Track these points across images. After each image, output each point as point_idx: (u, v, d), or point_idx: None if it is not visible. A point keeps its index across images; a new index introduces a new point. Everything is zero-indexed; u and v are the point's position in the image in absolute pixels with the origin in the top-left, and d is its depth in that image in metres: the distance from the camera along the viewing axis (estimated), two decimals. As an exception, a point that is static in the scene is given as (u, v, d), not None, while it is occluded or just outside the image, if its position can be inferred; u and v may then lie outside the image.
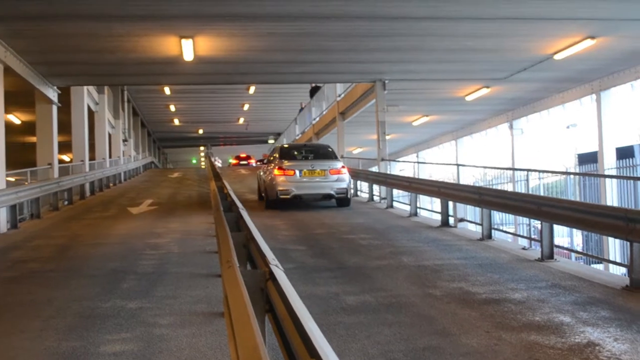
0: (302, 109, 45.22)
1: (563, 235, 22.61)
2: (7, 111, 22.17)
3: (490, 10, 15.50)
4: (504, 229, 19.45)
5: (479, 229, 14.39)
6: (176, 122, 52.70)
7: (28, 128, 30.54)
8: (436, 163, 36.50)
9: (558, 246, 12.23)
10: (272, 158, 20.87)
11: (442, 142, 41.20)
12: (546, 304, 7.95)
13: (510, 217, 22.00)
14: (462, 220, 16.71)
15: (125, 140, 39.67)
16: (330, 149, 21.06)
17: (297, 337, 3.49)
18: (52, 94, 22.18)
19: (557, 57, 19.47)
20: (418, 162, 38.35)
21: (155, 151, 65.35)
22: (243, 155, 61.06)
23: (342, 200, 19.66)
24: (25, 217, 18.14)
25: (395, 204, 20.53)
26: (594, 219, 9.61)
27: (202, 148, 73.18)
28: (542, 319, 7.27)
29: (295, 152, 20.73)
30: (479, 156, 37.04)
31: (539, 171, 21.69)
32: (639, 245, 8.59)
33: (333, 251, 12.13)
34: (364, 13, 15.50)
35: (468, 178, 27.60)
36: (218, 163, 53.87)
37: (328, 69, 22.91)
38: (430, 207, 21.00)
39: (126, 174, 35.32)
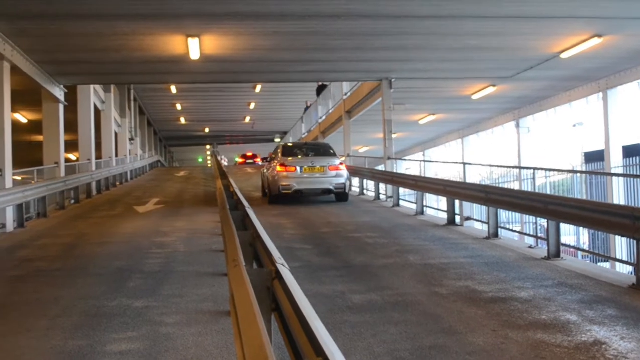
0: (307, 107, 45.20)
1: (570, 233, 22.57)
2: (13, 110, 22.17)
3: (494, 9, 15.47)
4: (511, 228, 19.43)
5: (485, 227, 14.38)
6: (182, 120, 52.73)
7: (35, 127, 30.59)
8: (442, 162, 36.45)
9: (565, 245, 12.19)
10: (274, 156, 21.97)
11: (449, 140, 41.15)
12: (553, 302, 7.94)
13: (516, 215, 21.96)
14: (468, 218, 16.66)
15: (131, 139, 39.72)
16: (329, 147, 22.19)
17: (304, 336, 3.50)
18: (59, 92, 22.20)
19: (563, 55, 19.42)
20: (424, 161, 38.33)
21: (162, 150, 65.41)
22: (249, 154, 61.06)
23: (341, 195, 20.60)
24: (32, 216, 18.17)
25: (401, 202, 20.51)
26: (600, 217, 9.59)
27: (208, 147, 73.22)
28: (548, 317, 7.26)
29: (297, 150, 21.85)
30: (485, 155, 36.97)
31: (546, 170, 21.62)
32: (646, 244, 8.56)
33: (339, 250, 12.13)
34: (368, 12, 15.49)
35: (474, 177, 27.56)
36: (224, 162, 53.93)
37: (334, 67, 22.90)
38: (436, 206, 20.96)
39: (133, 173, 35.35)
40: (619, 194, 21.41)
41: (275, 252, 5.47)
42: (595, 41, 17.76)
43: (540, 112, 30.04)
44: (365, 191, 24.47)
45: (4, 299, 8.85)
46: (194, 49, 17.85)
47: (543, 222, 13.72)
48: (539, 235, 15.26)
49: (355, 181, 25.87)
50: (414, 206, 18.87)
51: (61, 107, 22.39)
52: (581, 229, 21.45)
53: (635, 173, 21.97)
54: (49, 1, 14.05)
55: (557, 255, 10.91)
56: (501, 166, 29.03)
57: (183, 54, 18.49)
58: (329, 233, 14.33)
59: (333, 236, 13.85)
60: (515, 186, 26.86)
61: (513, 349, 6.19)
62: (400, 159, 34.51)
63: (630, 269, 12.89)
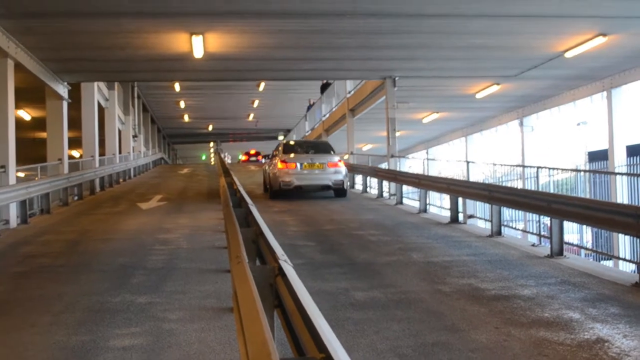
0: (310, 105, 45.18)
1: (573, 232, 22.53)
2: (17, 107, 22.23)
3: (500, 8, 15.46)
4: (514, 226, 19.42)
5: (488, 225, 14.38)
6: (186, 118, 52.70)
7: (38, 124, 30.61)
8: (446, 160, 36.43)
9: (568, 243, 12.18)
10: (276, 153, 22.71)
11: (452, 139, 41.10)
12: (555, 300, 7.94)
13: (519, 213, 21.93)
14: (471, 216, 16.68)
15: (135, 136, 39.71)
16: (328, 145, 23.23)
17: (306, 333, 3.50)
18: (63, 90, 22.22)
19: (568, 54, 19.40)
20: (428, 159, 38.30)
21: (165, 147, 65.36)
22: (252, 151, 61.04)
23: (339, 190, 21.23)
24: (35, 213, 18.19)
25: (404, 200, 20.53)
26: (604, 216, 9.59)
27: (211, 144, 73.18)
28: (551, 315, 7.26)
29: (297, 148, 22.66)
30: (488, 153, 36.94)
31: (549, 168, 21.63)
32: (649, 243, 8.57)
33: (342, 247, 12.14)
34: (373, 10, 15.48)
35: (478, 175, 27.50)
36: (227, 159, 53.94)
37: (338, 65, 22.89)
38: (439, 204, 20.98)
39: (136, 170, 35.36)
40: (622, 193, 21.39)
41: (278, 249, 5.47)
42: (600, 40, 17.74)
43: (544, 111, 30.00)
44: (368, 189, 24.48)
45: (7, 295, 8.87)
46: (197, 46, 17.86)
47: (546, 220, 13.69)
48: (542, 233, 15.23)
49: (359, 179, 25.90)
50: (417, 204, 18.89)
51: (65, 104, 22.40)
52: (584, 227, 21.43)
53: (638, 172, 21.93)
54: (53, -1, 14.10)
55: (560, 253, 10.91)
56: (505, 164, 29.01)
57: (187, 51, 18.50)
58: (332, 230, 14.34)
59: (336, 233, 13.86)
60: (518, 185, 26.83)
61: (515, 347, 6.19)
62: (404, 157, 34.50)
63: (633, 267, 12.88)
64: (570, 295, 8.17)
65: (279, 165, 20.86)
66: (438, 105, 31.36)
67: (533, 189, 18.13)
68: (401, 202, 20.11)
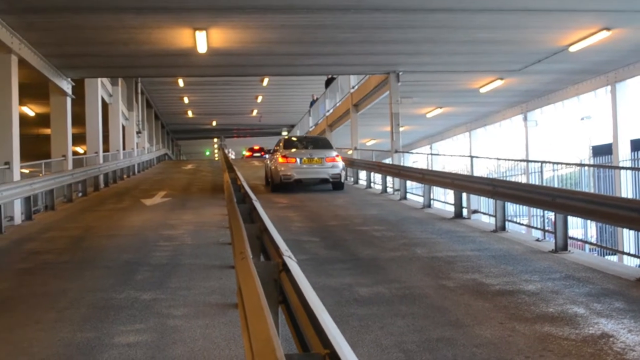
0: (313, 101, 45.19)
1: (577, 226, 22.50)
2: (21, 103, 22.25)
3: (503, 2, 15.46)
4: (518, 221, 19.39)
5: (492, 220, 14.37)
6: (190, 114, 52.76)
7: (42, 120, 30.67)
8: (450, 155, 36.39)
9: (572, 238, 12.18)
10: (277, 148, 23.72)
11: (456, 133, 41.08)
12: (560, 295, 7.93)
13: (523, 208, 21.91)
14: (475, 211, 16.65)
15: (139, 132, 39.76)
16: (327, 141, 24.96)
17: (311, 329, 3.50)
18: (66, 86, 22.24)
19: (572, 48, 19.36)
20: (432, 154, 38.26)
21: (169, 143, 65.47)
22: (256, 147, 61.13)
23: (337, 183, 22.48)
24: (39, 209, 18.22)
25: (408, 195, 20.50)
26: (608, 210, 9.57)
27: (215, 140, 73.24)
28: (555, 310, 7.25)
29: (297, 143, 23.79)
30: (492, 148, 36.88)
31: (553, 163, 21.56)
32: (654, 237, 8.56)
33: (346, 243, 12.14)
34: (377, 5, 15.46)
35: (482, 170, 27.46)
36: (231, 155, 53.96)
37: (341, 60, 22.89)
38: (443, 199, 20.95)
39: (140, 166, 35.40)
40: (626, 187, 21.35)
41: (282, 245, 5.47)
42: (604, 34, 17.70)
43: (548, 106, 29.97)
44: (372, 184, 24.48)
45: (12, 291, 8.89)
46: (201, 42, 17.85)
47: (550, 215, 13.67)
48: (547, 228, 15.21)
49: (363, 174, 25.93)
50: (421, 199, 18.88)
51: (69, 100, 22.43)
52: (589, 222, 21.40)
53: (643, 166, 21.89)
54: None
55: (565, 248, 10.89)
56: (509, 159, 28.97)
57: (190, 47, 18.49)
58: (336, 226, 14.34)
59: (340, 229, 13.86)
60: (522, 179, 26.81)
61: (520, 342, 6.19)
62: (408, 152, 34.49)
63: (637, 261, 12.90)
64: (575, 290, 8.16)
65: (280, 159, 21.99)
66: (442, 100, 31.33)
67: (537, 183, 18.10)
68: (405, 198, 20.09)
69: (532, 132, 31.43)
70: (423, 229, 13.83)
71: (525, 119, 31.52)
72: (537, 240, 12.61)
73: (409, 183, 20.72)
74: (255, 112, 53.31)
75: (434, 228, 14.02)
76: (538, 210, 17.14)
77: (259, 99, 46.61)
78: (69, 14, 15.44)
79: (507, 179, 25.83)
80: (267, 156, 51.90)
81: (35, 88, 22.94)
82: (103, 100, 28.56)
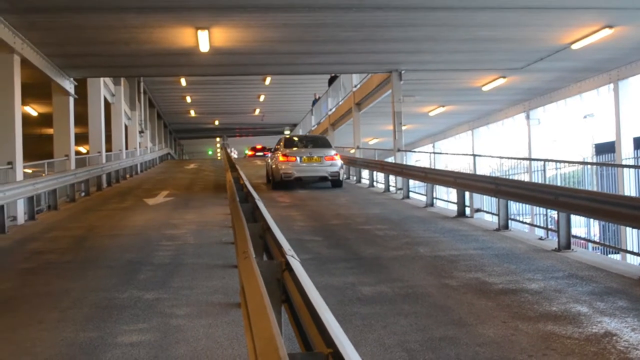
0: (315, 100, 45.18)
1: (580, 225, 22.49)
2: (24, 103, 22.27)
3: (507, 0, 15.43)
4: (521, 220, 19.36)
5: (495, 219, 14.34)
6: (192, 113, 52.77)
7: (45, 120, 30.69)
8: (452, 153, 36.36)
9: (575, 236, 12.15)
10: (277, 147, 24.33)
11: (459, 132, 41.03)
12: (563, 294, 7.92)
13: (527, 207, 21.90)
14: (478, 210, 16.64)
15: (141, 132, 39.76)
16: (326, 140, 25.50)
17: (314, 328, 3.50)
18: (69, 85, 22.25)
19: (574, 46, 19.33)
20: (434, 153, 38.24)
21: (172, 142, 65.46)
22: (259, 146, 61.09)
23: (335, 181, 23.13)
24: (42, 209, 18.24)
25: (411, 194, 20.50)
26: (611, 209, 9.55)
27: (218, 139, 73.26)
28: (559, 309, 7.24)
29: (297, 142, 24.50)
30: (495, 146, 36.87)
31: (556, 161, 21.56)
32: (657, 236, 8.54)
33: (349, 242, 12.13)
34: (379, 3, 15.46)
35: (484, 168, 27.46)
36: (234, 154, 53.94)
37: (344, 59, 22.89)
38: (446, 198, 20.94)
39: (142, 166, 35.40)
40: (629, 186, 21.33)
41: (285, 244, 5.47)
42: (606, 32, 17.68)
43: (550, 104, 29.91)
44: (375, 183, 24.48)
45: (15, 291, 8.89)
46: (203, 41, 17.85)
47: (553, 213, 13.65)
48: (550, 227, 15.20)
49: (365, 173, 25.93)
50: (423, 198, 18.85)
51: (71, 100, 22.44)
52: (592, 220, 21.38)
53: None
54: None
55: (568, 246, 10.88)
56: (511, 158, 28.96)
57: (192, 46, 18.49)
58: (339, 225, 14.34)
59: (343, 228, 13.85)
60: (525, 178, 26.79)
61: (523, 341, 6.18)
62: (410, 151, 34.47)
63: (641, 260, 12.86)
64: (578, 289, 8.14)
65: (280, 158, 22.77)
66: (444, 99, 31.31)
67: (540, 182, 18.09)
68: (408, 196, 20.08)
69: (535, 130, 31.38)
70: (426, 228, 13.82)
71: (527, 117, 31.48)
72: (540, 238, 12.59)
73: (411, 182, 20.71)
74: (257, 111, 53.32)
75: (437, 227, 14.01)
76: (541, 208, 17.12)
77: (262, 98, 46.62)
78: (70, 13, 15.46)
79: (510, 177, 25.82)
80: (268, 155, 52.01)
81: (37, 88, 22.97)
82: (105, 99, 28.57)
